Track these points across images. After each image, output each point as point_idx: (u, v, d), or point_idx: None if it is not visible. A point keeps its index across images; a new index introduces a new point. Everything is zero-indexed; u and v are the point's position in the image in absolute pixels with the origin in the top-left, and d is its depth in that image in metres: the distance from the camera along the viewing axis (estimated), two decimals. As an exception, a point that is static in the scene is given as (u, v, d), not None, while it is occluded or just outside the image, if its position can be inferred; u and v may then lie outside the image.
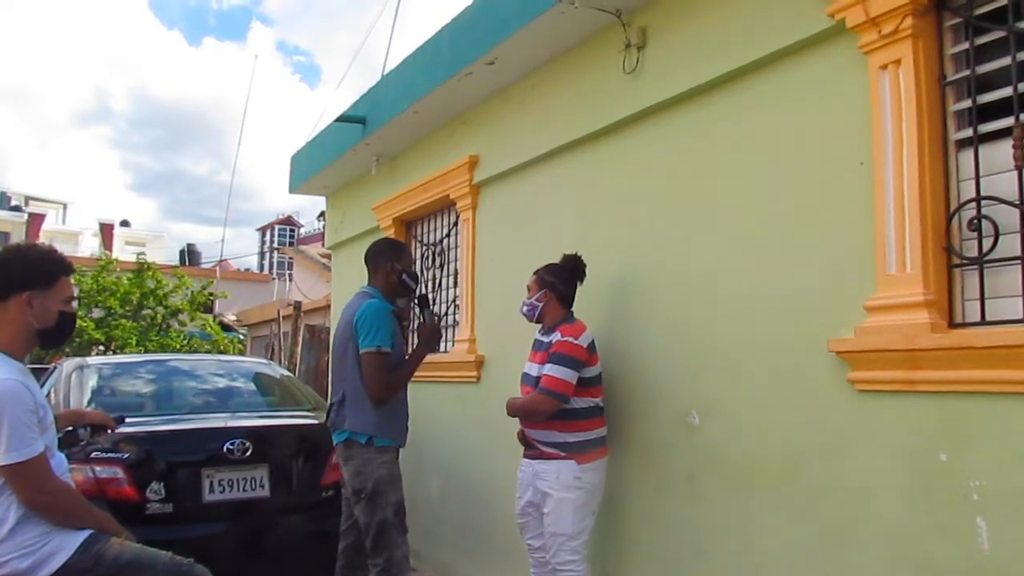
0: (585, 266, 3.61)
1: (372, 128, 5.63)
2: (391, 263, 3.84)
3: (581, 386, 3.33)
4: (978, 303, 2.37)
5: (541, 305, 3.54)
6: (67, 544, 2.41)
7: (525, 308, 3.60)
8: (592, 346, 3.41)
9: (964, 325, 2.39)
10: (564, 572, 3.30)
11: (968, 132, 2.43)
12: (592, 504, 3.36)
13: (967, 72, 2.44)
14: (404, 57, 5.22)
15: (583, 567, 3.31)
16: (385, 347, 3.59)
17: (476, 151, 4.90)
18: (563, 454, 3.33)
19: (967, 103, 2.44)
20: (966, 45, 2.44)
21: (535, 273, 3.63)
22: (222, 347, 17.31)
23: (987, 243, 2.33)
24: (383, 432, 3.64)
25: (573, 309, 3.59)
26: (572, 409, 3.33)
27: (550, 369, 3.31)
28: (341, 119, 5.89)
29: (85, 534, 2.46)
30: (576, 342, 3.32)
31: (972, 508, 2.25)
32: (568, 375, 3.28)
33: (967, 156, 2.43)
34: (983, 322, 2.34)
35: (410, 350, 4.02)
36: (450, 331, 5.40)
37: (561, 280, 3.55)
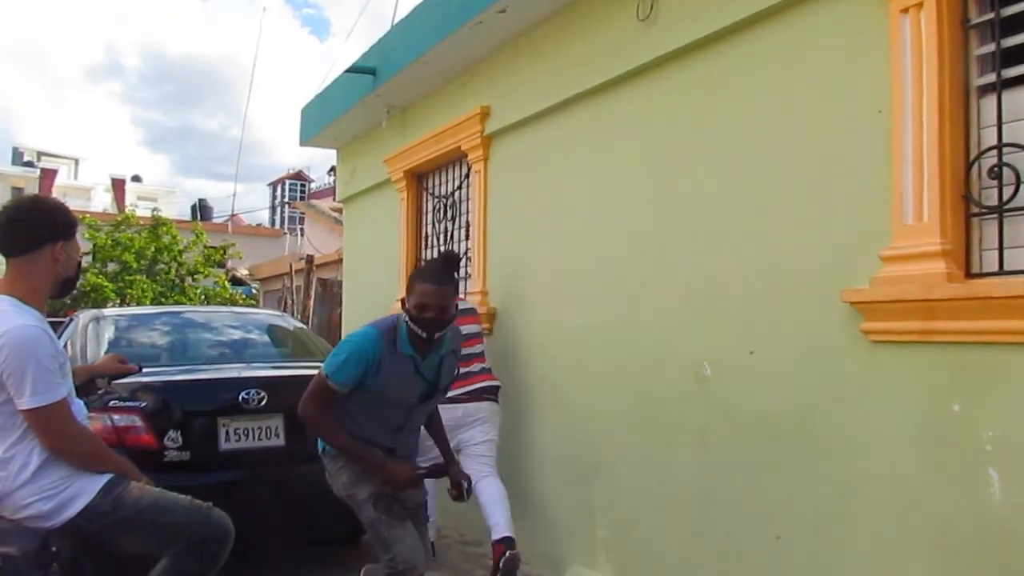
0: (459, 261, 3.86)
1: (382, 79, 5.57)
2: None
3: None
4: (996, 253, 2.34)
5: None
6: (88, 487, 2.46)
7: None
8: None
9: (982, 275, 2.37)
10: None
11: (991, 77, 2.37)
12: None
13: (991, 15, 2.37)
14: (414, 6, 5.14)
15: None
16: (333, 381, 3.10)
17: (487, 102, 4.85)
18: None
19: (991, 47, 2.38)
20: (992, -13, 2.38)
21: None
22: (235, 301, 17.42)
23: (1007, 192, 2.29)
24: None
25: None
26: None
27: None
28: (351, 70, 5.83)
29: (106, 478, 2.50)
30: None
31: (985, 459, 2.25)
32: None
33: (989, 102, 2.38)
34: (1001, 272, 2.32)
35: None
36: (462, 284, 5.40)
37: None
